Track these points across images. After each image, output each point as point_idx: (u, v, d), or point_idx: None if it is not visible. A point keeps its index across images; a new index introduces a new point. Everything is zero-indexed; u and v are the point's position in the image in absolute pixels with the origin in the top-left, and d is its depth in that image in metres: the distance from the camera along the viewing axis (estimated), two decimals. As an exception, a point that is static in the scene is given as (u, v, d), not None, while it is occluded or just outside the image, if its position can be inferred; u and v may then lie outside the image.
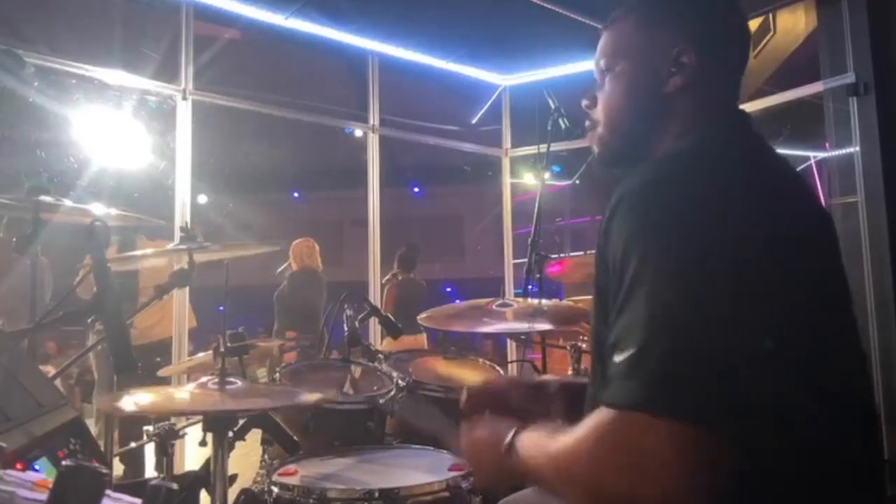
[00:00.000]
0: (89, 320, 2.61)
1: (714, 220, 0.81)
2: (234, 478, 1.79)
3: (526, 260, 2.69)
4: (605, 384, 0.80)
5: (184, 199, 3.48)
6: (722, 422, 0.72)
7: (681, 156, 0.95)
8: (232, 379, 1.62)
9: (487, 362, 2.48)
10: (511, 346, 4.66)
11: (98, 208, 1.90)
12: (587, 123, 1.12)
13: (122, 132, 3.77)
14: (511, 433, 0.95)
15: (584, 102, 1.12)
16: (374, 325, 3.96)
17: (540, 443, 0.89)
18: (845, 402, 0.87)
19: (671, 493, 0.71)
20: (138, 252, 3.06)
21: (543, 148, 2.96)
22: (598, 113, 1.09)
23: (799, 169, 1.03)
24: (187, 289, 3.38)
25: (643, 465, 0.72)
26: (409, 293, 5.09)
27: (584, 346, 2.44)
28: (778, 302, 0.80)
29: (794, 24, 6.01)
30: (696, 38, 0.99)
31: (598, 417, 0.78)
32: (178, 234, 3.21)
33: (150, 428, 1.92)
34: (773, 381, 0.76)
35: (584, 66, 4.52)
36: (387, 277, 5.03)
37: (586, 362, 2.30)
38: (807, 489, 0.81)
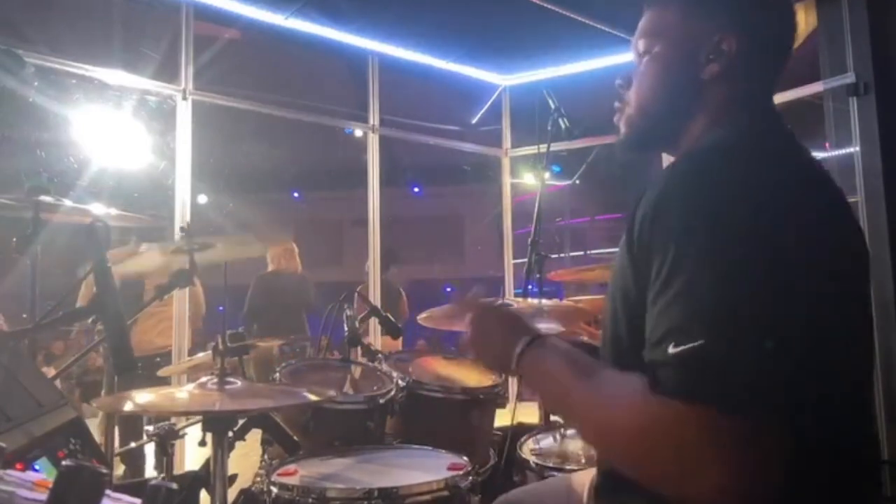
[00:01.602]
0: (89, 320, 2.61)
1: (765, 213, 0.80)
2: (233, 478, 1.79)
3: (526, 260, 2.69)
4: (644, 368, 0.80)
5: (184, 199, 3.48)
6: (782, 422, 0.72)
7: (723, 148, 0.94)
8: (231, 379, 1.62)
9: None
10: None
11: (98, 208, 1.90)
12: (616, 104, 1.11)
13: (122, 132, 3.77)
14: (531, 335, 0.97)
15: (618, 82, 1.10)
16: (374, 325, 3.96)
17: (571, 371, 0.90)
18: (860, 400, 0.89)
19: (723, 491, 0.70)
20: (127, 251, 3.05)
21: (543, 148, 2.96)
22: (631, 94, 1.08)
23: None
24: (187, 289, 3.37)
25: (702, 456, 0.72)
26: (383, 295, 5.07)
27: (583, 346, 2.43)
28: (826, 299, 0.80)
29: (794, 24, 6.00)
30: (739, 27, 0.98)
31: (654, 400, 0.76)
32: (177, 234, 3.21)
33: (150, 428, 1.92)
34: (820, 379, 0.77)
35: (585, 65, 4.52)
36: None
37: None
38: (833, 487, 0.83)
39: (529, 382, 0.97)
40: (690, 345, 0.75)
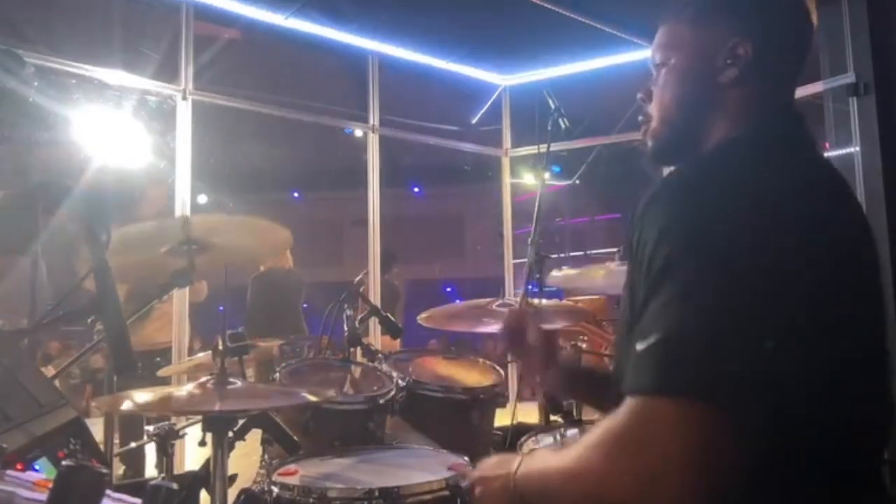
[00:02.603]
0: (89, 320, 2.60)
1: (750, 221, 0.82)
2: (234, 478, 1.79)
3: (526, 260, 2.69)
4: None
5: (184, 199, 3.48)
6: (734, 409, 0.72)
7: (725, 152, 0.96)
8: (231, 379, 1.62)
9: (488, 362, 2.48)
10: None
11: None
12: (640, 118, 1.12)
13: (122, 132, 3.76)
14: (518, 458, 0.96)
15: (639, 96, 1.12)
16: (375, 325, 3.95)
17: (547, 457, 0.91)
18: (857, 411, 0.87)
19: (678, 489, 0.71)
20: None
21: (543, 148, 2.96)
22: (652, 107, 1.09)
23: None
24: (187, 289, 3.37)
25: (652, 454, 0.72)
26: (384, 295, 5.06)
27: (584, 345, 2.44)
28: (804, 307, 0.81)
29: (794, 24, 6.00)
30: (753, 31, 0.99)
31: (610, 416, 0.78)
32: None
33: (151, 428, 1.92)
34: (785, 380, 0.78)
35: (584, 65, 4.52)
36: (358, 277, 4.92)
37: (586, 361, 2.30)
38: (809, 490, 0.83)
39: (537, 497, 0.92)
40: (649, 342, 0.77)
